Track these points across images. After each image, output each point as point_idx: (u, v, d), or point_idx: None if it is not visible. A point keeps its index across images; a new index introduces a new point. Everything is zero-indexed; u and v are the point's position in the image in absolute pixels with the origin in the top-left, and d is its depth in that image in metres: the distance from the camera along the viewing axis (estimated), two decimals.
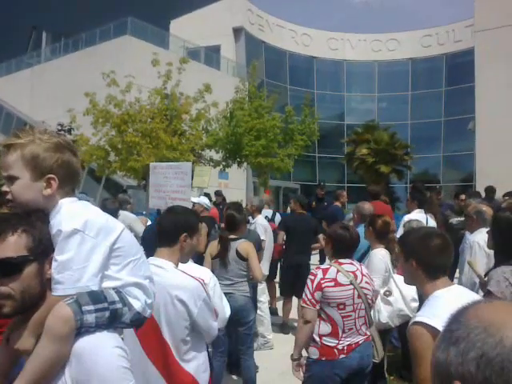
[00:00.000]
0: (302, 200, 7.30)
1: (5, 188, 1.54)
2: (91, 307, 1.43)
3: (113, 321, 1.50)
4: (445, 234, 2.27)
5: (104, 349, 1.43)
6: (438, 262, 2.15)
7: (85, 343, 1.42)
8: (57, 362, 1.40)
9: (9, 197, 1.55)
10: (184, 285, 2.42)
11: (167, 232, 2.54)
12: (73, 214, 1.52)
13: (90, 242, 1.49)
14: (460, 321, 0.76)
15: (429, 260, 2.14)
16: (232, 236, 4.50)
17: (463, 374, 0.71)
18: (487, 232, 3.39)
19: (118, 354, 1.45)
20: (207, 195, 10.24)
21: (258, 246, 5.50)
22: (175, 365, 2.38)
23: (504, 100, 23.46)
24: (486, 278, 3.00)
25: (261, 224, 6.68)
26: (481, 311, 0.76)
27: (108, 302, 1.48)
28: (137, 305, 1.58)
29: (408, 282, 2.29)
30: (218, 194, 11.98)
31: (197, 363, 2.44)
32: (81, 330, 1.42)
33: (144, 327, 2.31)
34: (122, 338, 1.63)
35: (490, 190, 8.37)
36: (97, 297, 1.46)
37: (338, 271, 3.19)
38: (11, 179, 1.53)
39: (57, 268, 1.44)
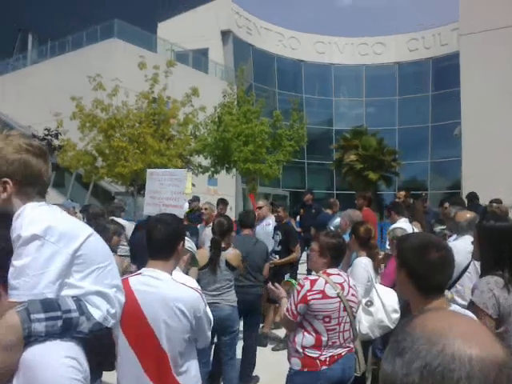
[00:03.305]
0: (287, 208, 7.36)
1: None
2: (41, 315, 1.39)
3: (67, 330, 1.45)
4: (447, 247, 1.97)
5: (52, 359, 1.39)
6: (432, 279, 1.88)
7: (32, 353, 1.38)
8: (5, 372, 1.36)
9: None
10: (185, 297, 2.38)
11: (164, 245, 2.45)
12: (34, 219, 1.49)
13: (50, 248, 1.46)
14: (406, 331, 0.76)
15: (422, 275, 1.87)
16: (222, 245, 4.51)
17: None
18: (472, 243, 3.37)
19: (67, 365, 1.40)
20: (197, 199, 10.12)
21: (267, 257, 5.58)
22: (172, 379, 2.35)
23: (490, 104, 23.66)
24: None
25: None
26: (426, 321, 0.76)
27: (62, 310, 1.44)
28: (97, 314, 1.54)
29: (399, 292, 2.07)
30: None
31: (189, 375, 2.42)
32: (30, 338, 1.38)
33: (143, 342, 2.32)
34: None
35: (474, 196, 8.40)
36: (49, 305, 1.42)
37: (326, 282, 3.15)
38: None
39: (13, 273, 1.42)
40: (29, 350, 1.38)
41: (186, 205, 7.29)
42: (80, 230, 1.58)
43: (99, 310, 1.55)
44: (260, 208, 7.18)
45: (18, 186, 1.54)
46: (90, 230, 1.63)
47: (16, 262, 1.42)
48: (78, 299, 1.49)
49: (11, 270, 1.42)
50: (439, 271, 1.89)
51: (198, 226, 7.62)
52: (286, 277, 6.46)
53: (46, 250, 1.44)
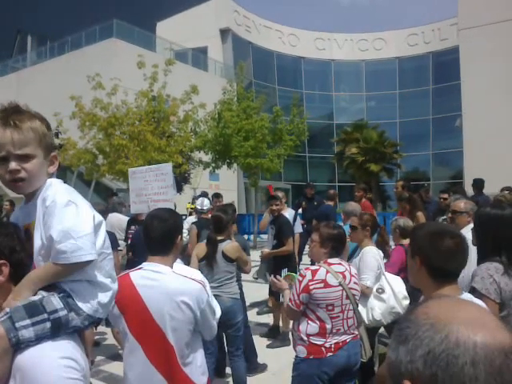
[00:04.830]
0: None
1: (16, 166, 1.47)
2: (27, 321, 1.35)
3: (57, 329, 1.41)
4: (461, 235, 1.97)
5: (47, 362, 1.35)
6: (447, 266, 1.89)
7: (27, 358, 1.34)
8: None
9: (22, 175, 1.49)
10: (188, 289, 2.37)
11: (162, 242, 2.44)
12: (65, 189, 1.53)
13: (85, 212, 1.49)
14: (410, 319, 0.76)
15: (436, 262, 1.89)
16: (219, 237, 4.48)
17: (412, 372, 0.71)
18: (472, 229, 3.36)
19: (63, 365, 1.36)
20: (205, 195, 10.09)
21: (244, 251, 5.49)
22: (179, 370, 2.34)
23: (489, 97, 23.71)
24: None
25: None
26: (429, 308, 0.75)
27: (47, 312, 1.40)
28: (87, 308, 1.50)
29: (411, 281, 2.06)
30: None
31: (195, 365, 2.42)
32: (20, 345, 1.34)
33: (148, 335, 2.32)
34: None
35: (479, 183, 8.35)
36: (33, 309, 1.38)
37: (327, 272, 3.17)
38: (26, 158, 1.49)
39: (58, 237, 1.40)
40: (23, 355, 1.34)
41: (207, 201, 7.32)
42: (96, 212, 1.62)
43: (89, 304, 1.50)
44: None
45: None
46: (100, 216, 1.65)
47: (59, 226, 1.40)
48: (65, 295, 1.45)
49: (55, 234, 1.40)
50: (453, 259, 1.90)
51: None
52: (283, 272, 6.36)
53: (83, 214, 1.47)
